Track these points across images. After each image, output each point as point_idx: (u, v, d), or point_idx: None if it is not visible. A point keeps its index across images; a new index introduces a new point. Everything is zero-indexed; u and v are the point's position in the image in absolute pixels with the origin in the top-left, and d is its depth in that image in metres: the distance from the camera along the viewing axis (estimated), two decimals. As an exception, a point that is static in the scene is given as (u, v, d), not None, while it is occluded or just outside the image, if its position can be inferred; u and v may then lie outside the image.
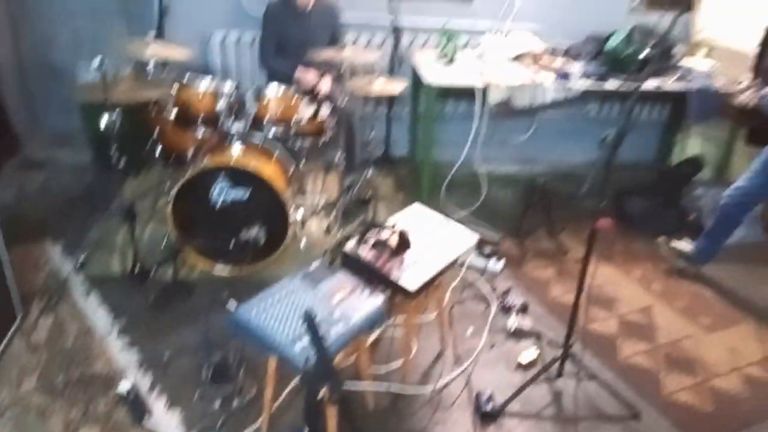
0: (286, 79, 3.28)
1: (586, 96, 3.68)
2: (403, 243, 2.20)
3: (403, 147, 4.32)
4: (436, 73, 3.39)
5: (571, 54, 3.73)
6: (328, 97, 3.29)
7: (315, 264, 2.15)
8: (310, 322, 1.27)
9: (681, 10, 2.02)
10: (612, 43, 3.54)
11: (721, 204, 3.00)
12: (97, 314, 2.54)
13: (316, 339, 1.28)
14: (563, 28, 3.97)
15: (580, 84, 3.37)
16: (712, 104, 3.44)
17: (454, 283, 2.93)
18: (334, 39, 3.47)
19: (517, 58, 3.57)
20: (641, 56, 3.36)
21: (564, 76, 3.34)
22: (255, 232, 2.77)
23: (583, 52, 3.69)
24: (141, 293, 2.66)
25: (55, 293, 2.62)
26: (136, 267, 2.75)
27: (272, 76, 3.45)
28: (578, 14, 3.95)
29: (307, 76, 3.33)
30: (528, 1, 3.94)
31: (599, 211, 2.11)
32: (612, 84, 3.43)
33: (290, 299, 1.96)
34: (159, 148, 3.06)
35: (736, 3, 3.76)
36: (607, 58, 3.55)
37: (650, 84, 3.45)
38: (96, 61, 2.59)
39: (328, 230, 3.23)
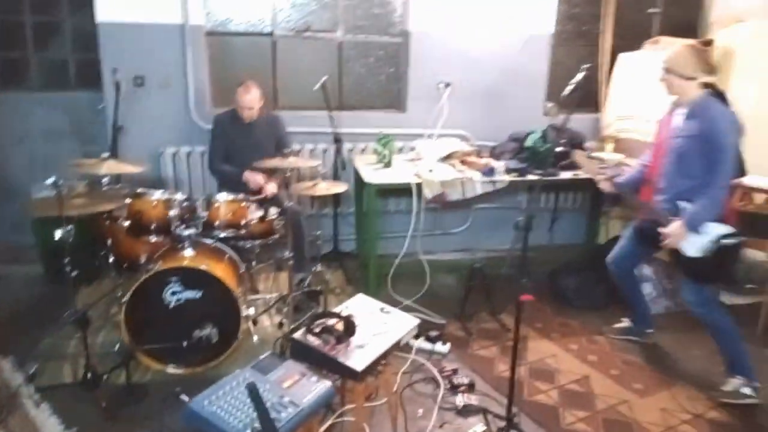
0: (235, 183, 3.53)
1: (514, 188, 4.06)
2: (349, 328, 2.36)
3: (351, 243, 4.57)
4: (376, 174, 3.71)
5: (495, 153, 4.16)
6: (275, 200, 3.54)
7: (265, 354, 2.26)
8: (252, 392, 1.39)
9: (571, 109, 2.41)
10: (530, 141, 3.99)
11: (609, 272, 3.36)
12: (48, 424, 2.52)
13: (261, 408, 1.41)
14: (487, 130, 4.45)
15: (504, 178, 3.75)
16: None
17: (404, 368, 3.05)
18: (279, 147, 3.78)
19: (448, 157, 3.95)
20: (556, 151, 3.82)
21: (489, 171, 3.71)
22: (208, 331, 2.86)
23: (506, 151, 4.12)
24: (93, 400, 2.66)
25: (6, 406, 2.60)
26: (88, 374, 2.77)
27: (222, 183, 3.70)
28: (499, 119, 4.45)
29: (254, 177, 3.59)
30: (455, 110, 4.42)
31: (522, 286, 2.35)
32: (532, 177, 3.81)
33: (241, 388, 2.05)
34: (112, 257, 3.19)
35: (635, 102, 4.32)
36: (526, 154, 3.98)
37: (566, 175, 3.86)
38: (50, 180, 2.72)
39: (280, 325, 3.34)
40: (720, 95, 3.84)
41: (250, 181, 3.60)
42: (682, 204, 2.78)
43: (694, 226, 2.73)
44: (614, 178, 3.07)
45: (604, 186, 3.08)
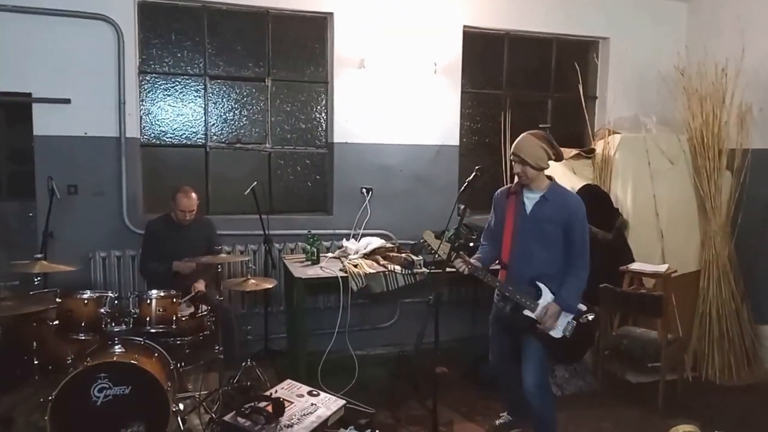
0: (165, 281, 3.64)
1: (436, 282, 4.37)
2: (278, 409, 2.48)
3: (282, 341, 4.66)
4: (304, 270, 3.94)
5: (414, 249, 4.51)
6: (206, 297, 3.67)
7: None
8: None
9: (465, 209, 2.82)
10: (444, 237, 4.37)
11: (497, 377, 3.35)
12: None
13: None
14: (407, 230, 4.84)
15: (423, 270, 4.07)
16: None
17: (334, 456, 3.11)
18: (210, 248, 3.97)
19: (371, 253, 4.26)
20: (470, 246, 4.21)
21: (409, 265, 4.04)
22: (135, 428, 2.85)
23: (425, 247, 4.48)
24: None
25: None
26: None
27: (152, 283, 3.80)
28: (418, 219, 4.86)
29: (185, 264, 3.75)
30: (377, 212, 4.83)
31: (437, 360, 2.58)
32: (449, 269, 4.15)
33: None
34: (37, 360, 3.16)
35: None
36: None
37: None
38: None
39: (210, 422, 3.33)
40: (604, 196, 4.48)
41: (181, 268, 3.72)
42: (541, 285, 2.88)
43: (571, 308, 2.85)
44: (471, 261, 3.02)
45: (459, 265, 2.96)
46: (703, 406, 3.92)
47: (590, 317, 2.88)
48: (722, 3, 5.15)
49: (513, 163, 2.93)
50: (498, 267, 3.09)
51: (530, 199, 2.94)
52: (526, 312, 2.89)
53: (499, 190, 3.14)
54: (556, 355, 2.93)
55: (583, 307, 2.89)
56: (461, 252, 3.02)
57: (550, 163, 2.94)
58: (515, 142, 2.93)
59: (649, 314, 4.06)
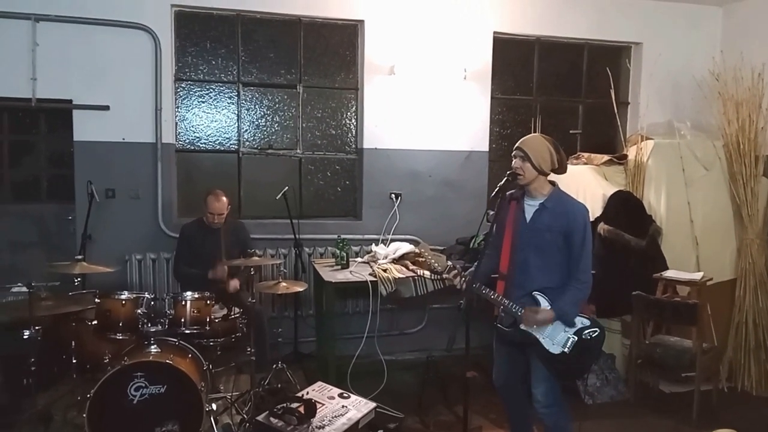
0: (199, 285, 3.71)
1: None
2: (310, 410, 2.51)
3: (311, 345, 4.70)
4: (334, 275, 3.97)
5: (444, 254, 4.50)
6: (238, 299, 3.73)
7: (230, 436, 2.38)
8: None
9: (495, 214, 2.79)
10: (474, 244, 4.38)
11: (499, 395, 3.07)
12: None
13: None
14: (436, 235, 4.84)
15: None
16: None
17: (363, 459, 3.12)
18: (243, 251, 4.03)
19: (401, 258, 4.27)
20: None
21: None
22: (170, 427, 2.91)
23: (454, 252, 4.49)
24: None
25: None
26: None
27: (185, 286, 3.87)
28: (447, 225, 4.88)
29: (219, 270, 3.81)
30: (406, 217, 4.86)
31: (467, 365, 2.58)
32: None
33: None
34: (76, 359, 3.25)
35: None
36: (472, 255, 4.34)
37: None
38: (17, 287, 2.86)
39: (241, 423, 3.38)
40: (637, 203, 4.42)
41: (217, 275, 3.80)
42: (540, 297, 2.70)
43: (567, 319, 2.66)
44: (466, 273, 2.82)
45: (457, 282, 2.78)
46: (738, 417, 3.82)
47: (593, 333, 2.68)
48: (758, 7, 5.05)
49: (513, 158, 2.74)
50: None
51: (531, 206, 2.76)
52: (522, 326, 2.71)
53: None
54: (551, 371, 2.71)
55: (586, 322, 2.70)
56: (456, 265, 2.87)
57: (553, 174, 2.78)
58: (522, 139, 2.80)
59: (683, 323, 3.98)
